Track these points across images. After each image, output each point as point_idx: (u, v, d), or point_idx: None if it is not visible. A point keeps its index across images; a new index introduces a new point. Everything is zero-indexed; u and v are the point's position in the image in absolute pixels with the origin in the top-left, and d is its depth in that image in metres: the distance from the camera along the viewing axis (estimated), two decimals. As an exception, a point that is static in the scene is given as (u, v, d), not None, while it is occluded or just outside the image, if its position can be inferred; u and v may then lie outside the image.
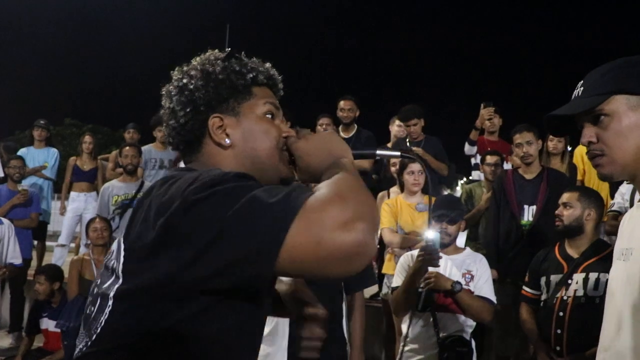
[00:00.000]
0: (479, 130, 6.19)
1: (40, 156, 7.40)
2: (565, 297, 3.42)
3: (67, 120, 31.59)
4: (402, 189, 4.84)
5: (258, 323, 1.32)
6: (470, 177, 5.95)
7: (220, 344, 1.21)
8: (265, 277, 1.09)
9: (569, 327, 3.35)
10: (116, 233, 5.84)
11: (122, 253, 1.21)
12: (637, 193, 4.55)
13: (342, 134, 6.25)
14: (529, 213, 4.48)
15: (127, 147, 6.20)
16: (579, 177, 5.86)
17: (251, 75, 1.41)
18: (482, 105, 6.14)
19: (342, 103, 6.30)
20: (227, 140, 1.37)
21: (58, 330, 4.84)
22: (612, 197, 5.07)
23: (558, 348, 3.38)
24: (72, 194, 7.31)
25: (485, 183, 5.44)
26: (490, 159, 5.41)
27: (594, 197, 3.68)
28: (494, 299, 3.44)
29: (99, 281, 1.29)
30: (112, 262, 1.25)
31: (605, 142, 1.51)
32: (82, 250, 6.14)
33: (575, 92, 1.57)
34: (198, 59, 1.45)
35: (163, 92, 1.45)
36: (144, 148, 6.81)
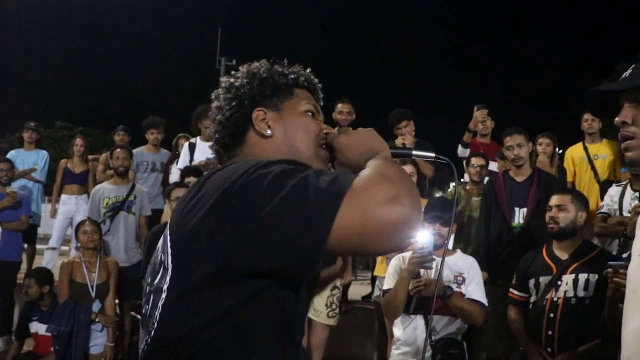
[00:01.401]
0: (472, 132, 6.20)
1: (30, 158, 7.35)
2: (555, 299, 3.44)
3: (58, 123, 31.40)
4: None
5: (301, 309, 1.35)
6: (463, 180, 5.96)
7: (269, 328, 1.24)
8: (314, 257, 1.13)
9: (560, 328, 3.36)
10: (107, 236, 5.82)
11: (169, 245, 1.25)
12: (626, 194, 4.61)
13: None
14: (519, 215, 4.50)
15: (118, 149, 6.16)
16: (569, 179, 5.89)
17: (293, 77, 1.51)
18: (475, 108, 6.16)
19: (340, 106, 6.26)
20: (269, 131, 1.44)
21: (48, 334, 4.79)
22: (602, 199, 5.09)
23: (549, 349, 3.39)
24: (63, 196, 7.26)
25: (470, 184, 5.47)
26: (475, 160, 5.47)
27: (583, 199, 3.76)
28: (485, 301, 3.45)
29: (149, 280, 1.33)
30: (160, 257, 1.30)
31: (637, 127, 1.49)
32: (73, 253, 6.11)
33: (625, 74, 1.56)
34: (245, 66, 1.55)
35: (212, 96, 1.54)
36: (135, 150, 6.79)
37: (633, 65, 1.56)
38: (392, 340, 3.58)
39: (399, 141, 5.81)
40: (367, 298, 6.20)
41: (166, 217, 5.19)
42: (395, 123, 5.89)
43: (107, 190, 5.99)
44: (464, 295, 3.39)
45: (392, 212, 1.07)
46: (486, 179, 5.40)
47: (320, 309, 4.94)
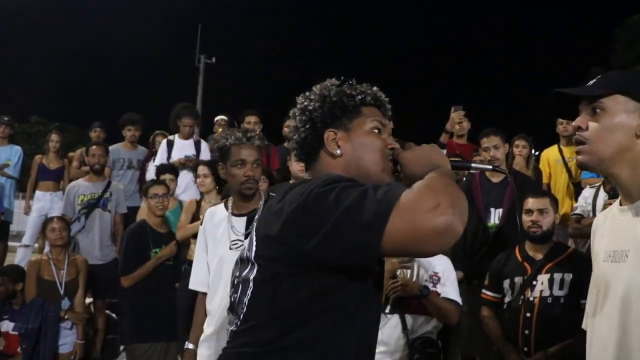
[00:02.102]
0: (449, 133, 6.24)
1: (2, 154, 7.23)
2: (531, 298, 3.47)
3: (33, 118, 30.96)
4: None
5: (371, 310, 1.58)
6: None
7: (340, 321, 1.48)
8: (372, 256, 1.38)
9: (536, 327, 3.40)
10: (82, 233, 5.75)
11: (254, 243, 1.53)
12: (599, 196, 4.68)
13: None
14: (495, 216, 4.54)
15: (94, 146, 6.09)
16: (544, 181, 5.96)
17: (360, 97, 1.70)
18: (452, 109, 6.20)
19: None
20: (338, 151, 1.65)
21: (16, 333, 4.72)
22: (577, 200, 5.16)
23: (526, 349, 3.42)
24: (38, 193, 7.17)
25: None
26: None
27: (557, 201, 3.87)
28: (459, 300, 3.48)
29: (237, 273, 1.60)
30: (246, 254, 1.57)
31: (592, 132, 1.60)
32: (47, 250, 6.03)
33: (591, 81, 1.67)
34: (318, 86, 1.75)
35: (289, 115, 1.78)
36: (112, 147, 6.72)
37: (599, 76, 1.67)
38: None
39: None
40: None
41: (142, 214, 5.14)
42: None
43: (83, 187, 5.92)
44: (439, 295, 3.41)
45: (434, 219, 1.25)
46: (464, 179, 5.45)
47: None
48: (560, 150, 6.06)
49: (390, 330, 3.41)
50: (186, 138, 6.53)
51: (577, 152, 1.64)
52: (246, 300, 1.53)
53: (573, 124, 1.65)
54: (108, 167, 6.42)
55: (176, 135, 6.57)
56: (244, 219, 2.95)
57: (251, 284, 1.52)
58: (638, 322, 1.56)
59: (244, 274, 1.55)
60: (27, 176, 7.46)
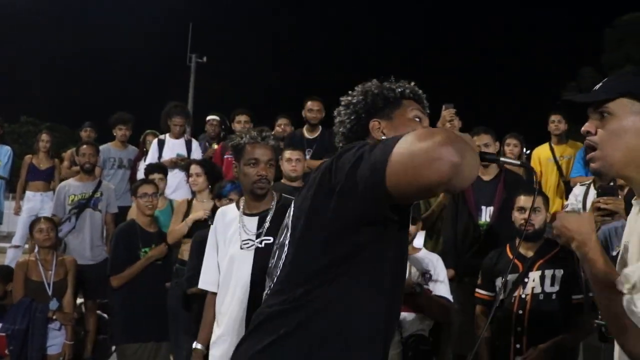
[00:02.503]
0: (439, 132, 6.25)
1: (-8, 154, 7.19)
2: (523, 295, 3.50)
3: (23, 118, 30.79)
4: None
5: (397, 265, 1.66)
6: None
7: (367, 279, 1.56)
8: (382, 192, 1.37)
9: (529, 324, 3.43)
10: (72, 234, 5.72)
11: (292, 212, 1.68)
12: (589, 194, 4.70)
13: (306, 134, 6.23)
14: (486, 214, 4.54)
15: (85, 146, 6.06)
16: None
17: (400, 90, 1.83)
18: (443, 107, 6.20)
19: (310, 103, 6.25)
20: (383, 137, 1.72)
21: (3, 334, 4.67)
22: (568, 198, 5.19)
23: (518, 345, 3.44)
24: (28, 193, 7.12)
25: None
26: None
27: (548, 199, 3.89)
28: (451, 298, 3.49)
29: (275, 240, 1.75)
30: (285, 222, 1.71)
31: (601, 137, 1.63)
32: (36, 251, 5.99)
33: (596, 86, 1.71)
34: (360, 85, 1.89)
35: (334, 114, 1.92)
36: (102, 147, 6.69)
37: (605, 79, 1.71)
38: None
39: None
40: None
41: (133, 214, 5.12)
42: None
43: (73, 187, 5.89)
44: (431, 292, 3.42)
45: (428, 143, 1.28)
46: None
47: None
48: (552, 149, 6.09)
49: None
50: (177, 137, 6.51)
51: (589, 159, 1.68)
52: (280, 263, 1.65)
53: (582, 129, 1.67)
54: (99, 166, 6.39)
55: (167, 135, 6.56)
56: (256, 218, 2.95)
57: (285, 248, 1.64)
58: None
59: (280, 240, 1.70)
60: (17, 176, 7.41)
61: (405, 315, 3.39)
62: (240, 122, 6.52)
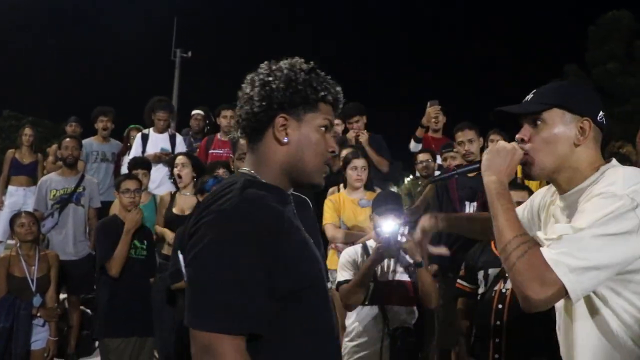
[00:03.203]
0: (425, 128, 6.29)
1: (-27, 149, 7.11)
2: (504, 290, 3.51)
3: (5, 112, 30.42)
4: (345, 185, 4.87)
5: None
6: (417, 175, 6.04)
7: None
8: None
9: (508, 319, 3.44)
10: (55, 229, 5.66)
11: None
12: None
13: None
14: (470, 209, 4.56)
15: (67, 139, 6.00)
16: (519, 175, 6.02)
17: (323, 94, 1.67)
18: (428, 104, 6.25)
19: None
20: (285, 139, 1.64)
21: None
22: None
23: (497, 340, 3.46)
24: (10, 188, 7.04)
25: (421, 179, 5.58)
26: (421, 157, 5.64)
27: (532, 194, 3.86)
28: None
29: None
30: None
31: (534, 144, 1.79)
32: (18, 246, 5.93)
33: (527, 97, 1.84)
34: (287, 62, 1.69)
35: (247, 79, 1.69)
36: (85, 141, 6.63)
37: (535, 90, 1.84)
38: (344, 333, 3.61)
39: (350, 134, 5.85)
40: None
41: (115, 209, 5.09)
42: (348, 117, 5.93)
43: (55, 181, 5.83)
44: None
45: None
46: (437, 172, 5.49)
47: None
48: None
49: (368, 321, 3.45)
50: (161, 132, 6.48)
51: (522, 164, 1.83)
52: None
53: (517, 136, 1.82)
54: (81, 160, 6.34)
55: (151, 129, 6.52)
56: None
57: None
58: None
59: None
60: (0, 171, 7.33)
61: (390, 309, 3.41)
62: (226, 117, 6.49)
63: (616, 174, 1.69)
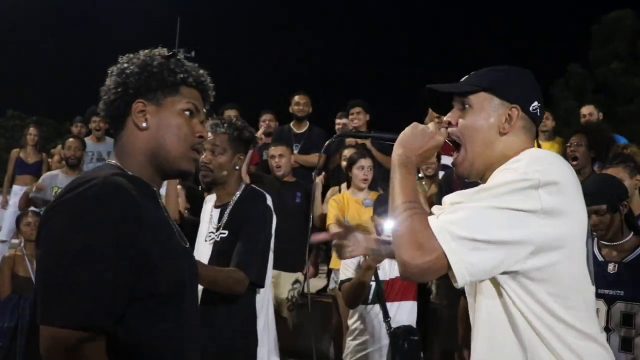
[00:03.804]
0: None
1: (-22, 148, 7.14)
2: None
3: (10, 112, 30.50)
4: (348, 185, 4.88)
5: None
6: (420, 175, 6.05)
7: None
8: None
9: None
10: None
11: None
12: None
13: (294, 129, 6.25)
14: None
15: (71, 139, 6.03)
16: None
17: (182, 76, 1.62)
18: (429, 111, 6.26)
19: (297, 97, 6.30)
20: (144, 124, 1.59)
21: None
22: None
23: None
24: (15, 187, 7.07)
25: (425, 179, 5.59)
26: None
27: None
28: None
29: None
30: None
31: (460, 130, 1.64)
32: (22, 245, 5.96)
33: (463, 78, 1.71)
34: (146, 51, 1.65)
35: (108, 72, 1.64)
36: None
37: (472, 72, 1.71)
38: (347, 332, 3.63)
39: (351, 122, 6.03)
40: (322, 292, 6.24)
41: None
42: (350, 108, 6.07)
43: (59, 178, 5.86)
44: None
45: None
46: (441, 173, 5.50)
47: (282, 303, 4.96)
48: (539, 146, 6.09)
49: (370, 320, 3.46)
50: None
51: (453, 165, 1.69)
52: None
53: (444, 119, 1.69)
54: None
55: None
56: (219, 210, 2.94)
57: None
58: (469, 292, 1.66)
59: None
60: (4, 170, 7.36)
61: (392, 307, 3.43)
62: (229, 116, 6.51)
63: (525, 154, 1.55)
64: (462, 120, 1.64)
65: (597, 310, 2.70)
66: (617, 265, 2.79)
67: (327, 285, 5.70)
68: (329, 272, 5.39)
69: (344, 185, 5.25)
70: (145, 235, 1.44)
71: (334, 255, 4.94)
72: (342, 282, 3.55)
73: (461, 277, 1.41)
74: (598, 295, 2.71)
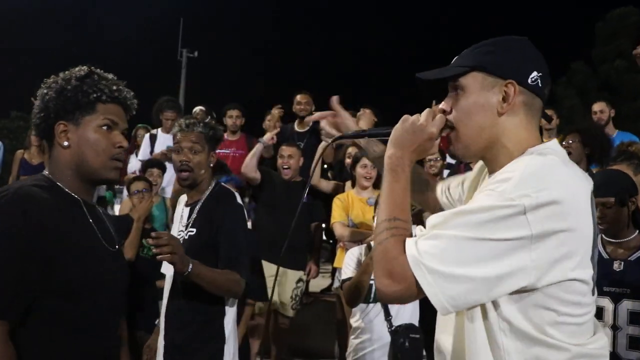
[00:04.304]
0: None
1: (-19, 150, 7.14)
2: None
3: (13, 113, 30.54)
4: (353, 184, 4.88)
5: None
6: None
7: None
8: None
9: None
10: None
11: None
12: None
13: (297, 128, 6.25)
14: None
15: None
16: None
17: (95, 95, 1.81)
18: (433, 103, 6.25)
19: (299, 97, 6.31)
20: (66, 143, 1.80)
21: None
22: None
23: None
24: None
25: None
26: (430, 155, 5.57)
27: None
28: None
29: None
30: None
31: (455, 115, 1.51)
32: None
33: (453, 60, 1.57)
34: (65, 72, 1.86)
35: (37, 95, 1.86)
36: None
37: (463, 51, 1.57)
38: (350, 331, 3.63)
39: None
40: (326, 291, 6.24)
41: (125, 208, 5.13)
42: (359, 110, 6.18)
43: None
44: None
45: None
46: (447, 172, 5.50)
47: (286, 302, 4.97)
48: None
49: (372, 319, 3.47)
50: (169, 132, 6.48)
51: (449, 143, 1.55)
52: None
53: (439, 107, 1.55)
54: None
55: (159, 129, 6.54)
56: (188, 209, 2.94)
57: None
58: None
59: None
60: (8, 172, 7.37)
61: (394, 306, 3.44)
62: (232, 116, 6.52)
63: (520, 165, 1.36)
64: (456, 105, 1.50)
65: (603, 309, 2.70)
66: (622, 262, 2.77)
67: (332, 284, 5.70)
68: (334, 271, 5.40)
69: (348, 183, 5.26)
70: (49, 239, 1.65)
71: (338, 254, 4.94)
72: (343, 281, 3.56)
73: (442, 309, 1.31)
74: (604, 293, 2.71)
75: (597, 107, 6.22)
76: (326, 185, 5.28)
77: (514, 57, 1.48)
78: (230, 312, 2.84)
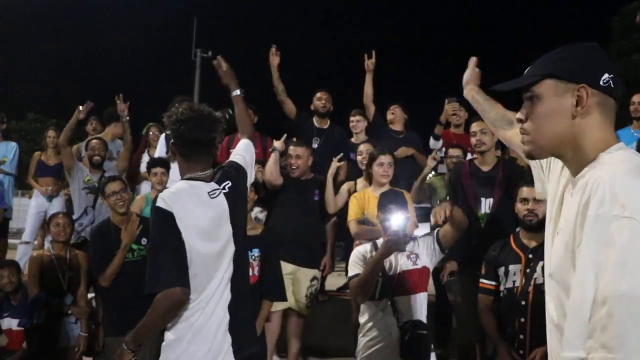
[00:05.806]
0: (442, 125, 6.30)
1: (-1, 151, 7.21)
2: (526, 286, 3.50)
3: (30, 115, 30.83)
4: (370, 181, 4.88)
5: None
6: (438, 171, 6.03)
7: None
8: None
9: (531, 315, 3.42)
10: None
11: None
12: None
13: (316, 124, 6.26)
14: (485, 205, 4.50)
15: (95, 140, 6.22)
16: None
17: None
18: (446, 101, 6.25)
19: (319, 94, 6.33)
20: None
21: (21, 328, 4.75)
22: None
23: (522, 336, 3.44)
24: (36, 190, 7.16)
25: (448, 174, 5.54)
26: (452, 152, 5.54)
27: None
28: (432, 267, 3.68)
29: None
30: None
31: (530, 123, 1.58)
32: (49, 246, 6.03)
33: (526, 71, 1.64)
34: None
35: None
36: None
37: (533, 63, 1.63)
38: (358, 329, 3.66)
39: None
40: (342, 289, 6.25)
41: (136, 206, 5.19)
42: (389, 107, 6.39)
43: (87, 171, 6.04)
44: (428, 270, 3.64)
45: None
46: (441, 166, 5.50)
47: (301, 300, 4.98)
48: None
49: (379, 316, 3.49)
50: (184, 131, 6.50)
51: (522, 143, 1.63)
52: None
53: (516, 116, 1.65)
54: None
55: (174, 129, 6.56)
56: None
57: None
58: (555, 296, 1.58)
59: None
60: (26, 173, 7.44)
61: (401, 302, 3.46)
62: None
63: (610, 173, 1.41)
64: (531, 113, 1.57)
65: None
66: None
67: (348, 282, 5.71)
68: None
69: (359, 180, 5.26)
70: None
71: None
72: (351, 278, 3.60)
73: None
74: None
75: (636, 98, 6.17)
76: (341, 201, 5.23)
77: (585, 62, 1.54)
78: (187, 321, 2.58)
